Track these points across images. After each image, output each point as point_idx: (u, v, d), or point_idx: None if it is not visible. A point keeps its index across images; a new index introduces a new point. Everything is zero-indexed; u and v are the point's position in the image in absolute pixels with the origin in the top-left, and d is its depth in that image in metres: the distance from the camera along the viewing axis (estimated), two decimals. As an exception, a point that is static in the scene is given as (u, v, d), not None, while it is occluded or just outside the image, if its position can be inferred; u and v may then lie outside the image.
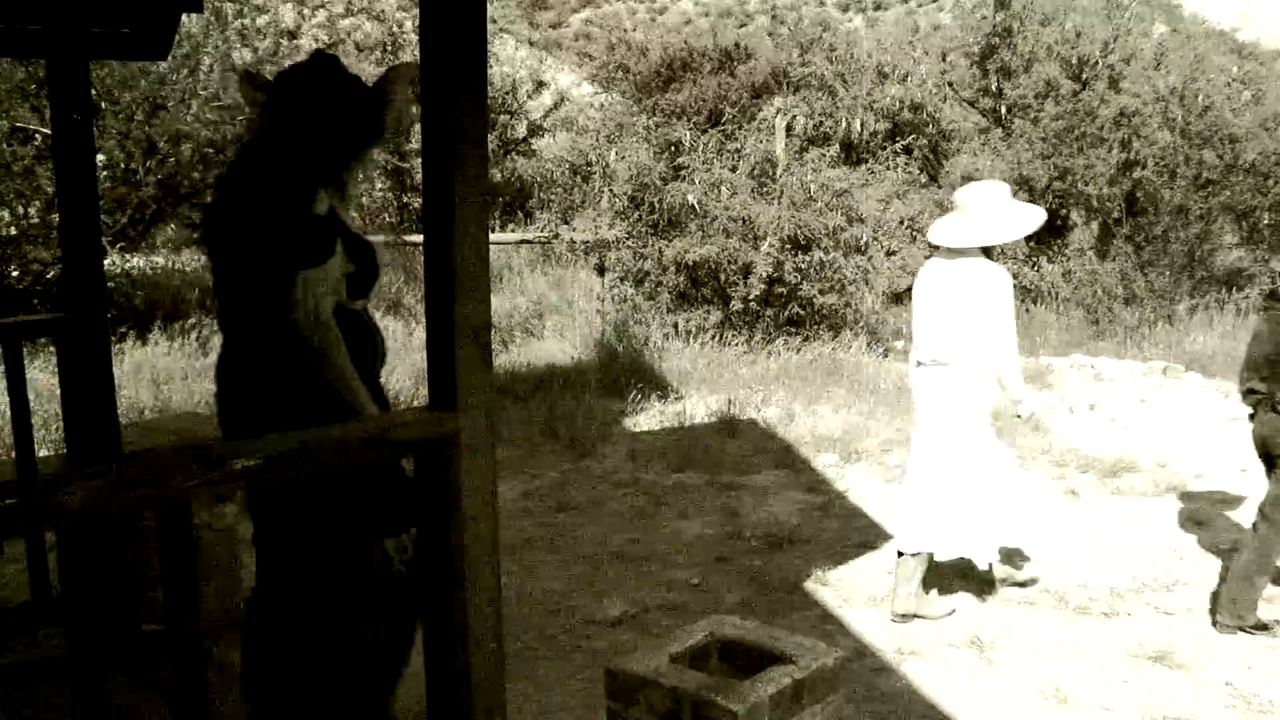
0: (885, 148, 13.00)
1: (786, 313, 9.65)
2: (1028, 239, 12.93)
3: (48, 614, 3.44)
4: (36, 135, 9.01)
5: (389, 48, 13.86)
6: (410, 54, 13.49)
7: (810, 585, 4.49)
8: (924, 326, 4.20)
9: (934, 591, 4.30)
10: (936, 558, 4.19)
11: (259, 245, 2.31)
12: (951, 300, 4.08)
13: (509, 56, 16.52)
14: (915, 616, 4.12)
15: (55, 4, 3.33)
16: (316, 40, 11.91)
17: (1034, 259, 12.48)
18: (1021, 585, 4.43)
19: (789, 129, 11.34)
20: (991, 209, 4.11)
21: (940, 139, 13.96)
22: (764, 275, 9.32)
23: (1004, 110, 14.02)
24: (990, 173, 12.84)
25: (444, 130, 1.98)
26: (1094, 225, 12.98)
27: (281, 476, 1.84)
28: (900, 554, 4.20)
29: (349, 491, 2.39)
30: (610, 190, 10.42)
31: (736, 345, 9.27)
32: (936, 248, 4.23)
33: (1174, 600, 4.33)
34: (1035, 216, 4.28)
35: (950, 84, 14.69)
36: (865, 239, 9.92)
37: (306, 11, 11.86)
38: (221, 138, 9.78)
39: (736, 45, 15.54)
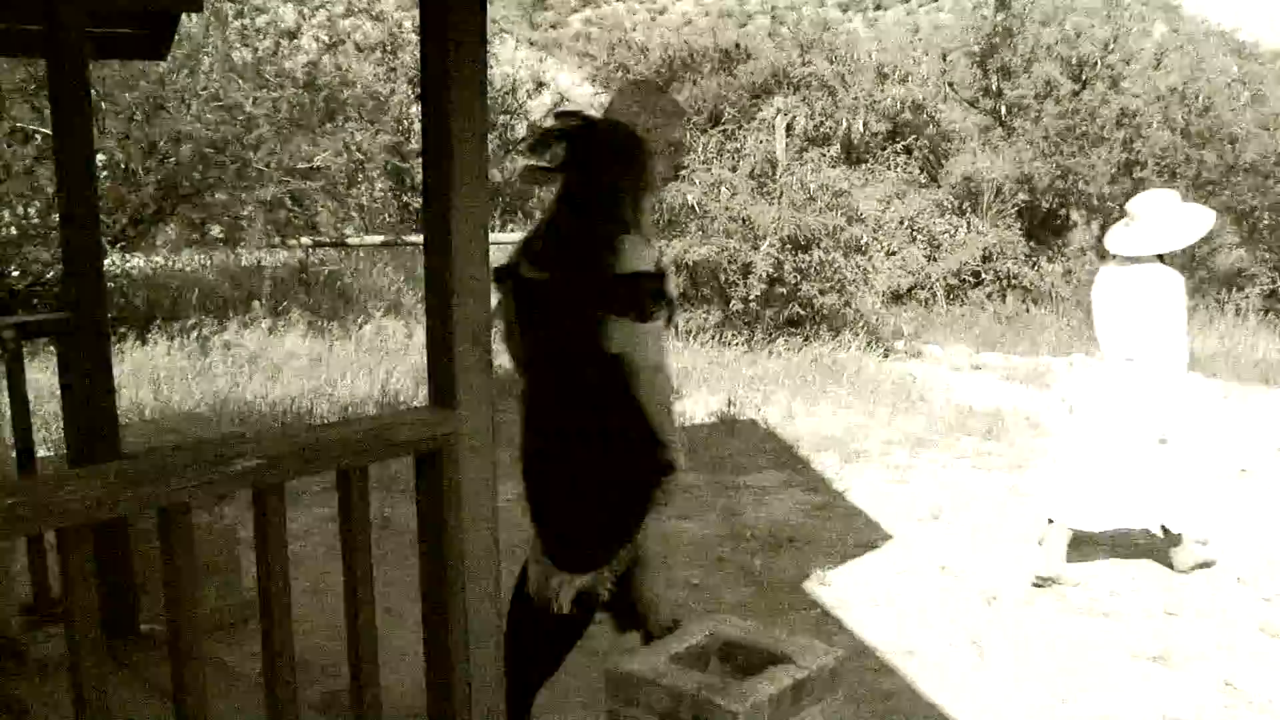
0: (885, 148, 13.01)
1: (786, 313, 9.66)
2: (1029, 239, 13.03)
3: (48, 614, 3.43)
4: (36, 135, 9.00)
5: (389, 47, 13.86)
6: (410, 54, 13.47)
7: (810, 585, 4.48)
8: (1106, 329, 4.47)
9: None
10: (1088, 530, 4.45)
11: (609, 304, 2.58)
12: (1130, 304, 4.33)
13: (509, 56, 16.50)
14: (1054, 581, 4.36)
15: (55, 4, 3.33)
16: (317, 40, 11.89)
17: (1034, 259, 12.48)
18: (1204, 566, 4.49)
19: (789, 129, 11.36)
20: (1162, 216, 4.33)
21: (940, 139, 13.97)
22: (764, 275, 9.33)
23: (1004, 110, 14.03)
24: (991, 172, 12.87)
25: (444, 130, 1.98)
26: (1094, 225, 12.98)
27: (282, 477, 1.84)
28: (1050, 521, 4.43)
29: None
30: (610, 190, 10.41)
31: (736, 345, 9.27)
32: (1112, 255, 4.47)
33: (1174, 600, 4.33)
34: (1205, 219, 4.44)
35: (950, 84, 14.70)
36: (865, 239, 9.93)
37: (306, 11, 11.83)
38: (221, 138, 9.77)
39: (736, 45, 15.56)
